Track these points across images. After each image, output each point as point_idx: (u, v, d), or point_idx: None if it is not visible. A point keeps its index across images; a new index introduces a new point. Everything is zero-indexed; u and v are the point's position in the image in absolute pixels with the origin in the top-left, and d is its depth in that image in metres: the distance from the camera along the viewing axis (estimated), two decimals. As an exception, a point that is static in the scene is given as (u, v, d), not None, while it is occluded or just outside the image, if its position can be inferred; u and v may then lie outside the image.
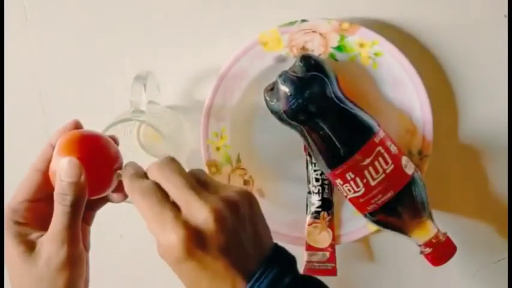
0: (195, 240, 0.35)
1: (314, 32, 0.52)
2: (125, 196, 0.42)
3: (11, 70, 0.58)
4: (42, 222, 0.40)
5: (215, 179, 0.41)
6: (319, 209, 0.55)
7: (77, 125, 0.42)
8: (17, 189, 0.42)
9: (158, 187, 0.38)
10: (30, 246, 0.39)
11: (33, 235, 0.40)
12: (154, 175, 0.38)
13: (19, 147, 0.58)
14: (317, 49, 0.53)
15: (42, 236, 0.39)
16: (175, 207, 0.37)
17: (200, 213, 0.35)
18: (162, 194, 0.37)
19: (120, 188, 0.42)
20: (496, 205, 0.57)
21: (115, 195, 0.43)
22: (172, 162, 0.39)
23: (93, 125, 0.44)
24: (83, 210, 0.39)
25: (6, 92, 0.58)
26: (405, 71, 0.52)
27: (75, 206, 0.38)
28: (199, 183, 0.38)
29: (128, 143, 0.54)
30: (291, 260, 0.39)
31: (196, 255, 0.35)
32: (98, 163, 0.40)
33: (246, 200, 0.38)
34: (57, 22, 0.57)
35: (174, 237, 0.35)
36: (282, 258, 0.38)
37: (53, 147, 0.40)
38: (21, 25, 0.57)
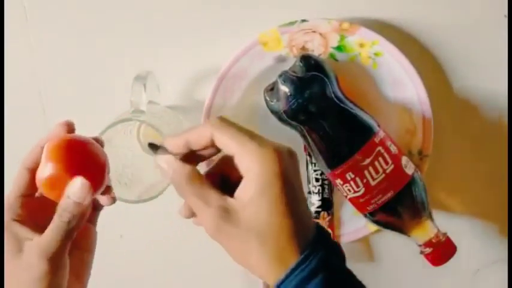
0: (287, 161, 0.36)
1: (314, 32, 0.52)
2: (113, 199, 0.42)
3: (11, 70, 0.58)
4: (36, 218, 0.40)
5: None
6: (319, 209, 0.55)
7: (69, 127, 0.41)
8: (11, 187, 0.42)
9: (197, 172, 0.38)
10: (18, 247, 0.39)
11: (23, 235, 0.39)
12: (208, 132, 0.37)
13: (19, 147, 0.58)
14: (317, 49, 0.53)
15: (31, 238, 0.39)
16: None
17: (271, 157, 0.36)
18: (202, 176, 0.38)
19: (107, 191, 0.42)
20: (496, 205, 0.57)
21: (104, 199, 0.43)
22: (223, 119, 0.38)
23: (93, 125, 0.44)
24: (78, 230, 0.39)
25: (6, 92, 0.58)
26: (405, 71, 0.52)
27: (72, 225, 0.38)
28: (250, 136, 0.38)
29: (128, 143, 0.54)
30: (334, 245, 0.39)
31: (286, 178, 0.36)
32: (86, 169, 0.39)
33: (295, 156, 0.38)
34: (57, 22, 0.57)
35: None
36: (326, 243, 0.37)
37: (42, 149, 0.40)
38: (21, 25, 0.57)
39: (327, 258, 0.35)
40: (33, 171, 0.40)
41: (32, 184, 0.41)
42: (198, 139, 0.38)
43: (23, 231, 0.40)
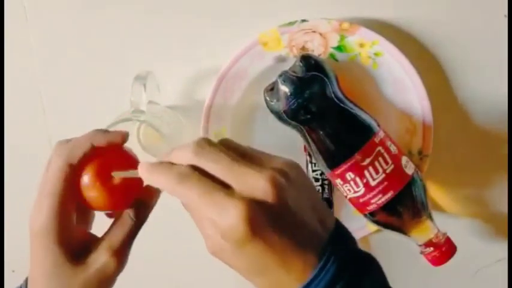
0: (259, 214, 0.31)
1: (314, 32, 0.52)
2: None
3: (11, 70, 0.58)
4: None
5: (254, 149, 0.36)
6: (319, 209, 0.55)
7: (123, 138, 0.41)
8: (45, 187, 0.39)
9: (196, 169, 0.33)
10: (79, 249, 0.39)
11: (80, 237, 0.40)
12: (188, 158, 0.34)
13: (19, 147, 0.58)
14: (317, 49, 0.53)
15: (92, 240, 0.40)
16: (224, 186, 0.32)
17: (258, 184, 0.31)
18: (204, 175, 0.33)
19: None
20: (496, 205, 0.57)
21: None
22: (208, 141, 0.34)
23: (93, 125, 0.44)
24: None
25: (6, 92, 0.58)
26: (405, 71, 0.52)
27: (139, 226, 0.40)
28: (240, 156, 0.34)
29: (128, 143, 0.54)
30: (351, 236, 0.36)
31: (263, 232, 0.31)
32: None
33: (295, 170, 0.34)
34: (57, 22, 0.57)
35: (233, 215, 0.30)
36: (346, 234, 0.35)
37: (91, 150, 0.39)
38: (21, 25, 0.57)
39: (345, 261, 0.33)
40: (75, 169, 0.39)
41: (70, 183, 0.39)
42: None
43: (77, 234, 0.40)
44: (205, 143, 0.34)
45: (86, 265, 0.39)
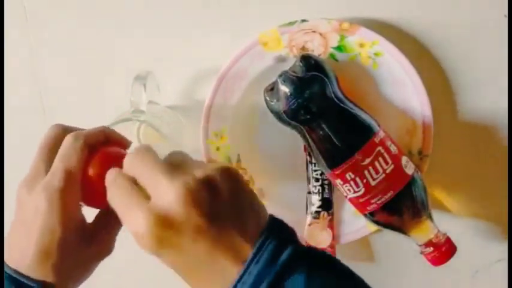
0: (163, 225, 0.32)
1: (314, 32, 0.52)
2: None
3: (11, 70, 0.58)
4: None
5: (193, 159, 0.37)
6: (319, 209, 0.55)
7: (128, 144, 0.43)
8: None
9: (129, 179, 0.35)
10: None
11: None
12: (127, 165, 0.36)
13: (19, 147, 0.58)
14: (317, 49, 0.53)
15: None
16: (144, 195, 0.34)
17: (167, 194, 0.32)
18: (132, 184, 0.35)
19: None
20: (496, 205, 0.57)
21: None
22: (146, 149, 0.36)
23: (93, 125, 0.44)
24: None
25: (6, 92, 0.58)
26: (405, 71, 0.52)
27: None
28: (173, 165, 0.35)
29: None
30: (289, 231, 0.35)
31: (168, 241, 0.32)
32: None
33: (226, 175, 0.34)
34: (57, 22, 0.57)
35: (141, 225, 0.32)
36: (280, 231, 0.34)
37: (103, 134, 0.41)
38: (21, 25, 0.57)
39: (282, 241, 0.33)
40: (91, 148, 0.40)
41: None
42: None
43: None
44: (143, 150, 0.36)
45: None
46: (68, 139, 0.40)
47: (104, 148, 0.41)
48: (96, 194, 0.39)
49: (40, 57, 0.58)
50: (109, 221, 0.41)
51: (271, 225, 0.35)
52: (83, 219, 0.41)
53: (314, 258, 0.34)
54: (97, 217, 0.43)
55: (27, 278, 0.38)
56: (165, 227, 0.32)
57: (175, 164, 0.35)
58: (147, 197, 0.34)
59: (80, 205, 0.41)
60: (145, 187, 0.34)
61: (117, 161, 0.38)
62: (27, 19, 0.57)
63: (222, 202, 0.33)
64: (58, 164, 0.39)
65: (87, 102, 0.58)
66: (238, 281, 0.32)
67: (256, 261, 0.32)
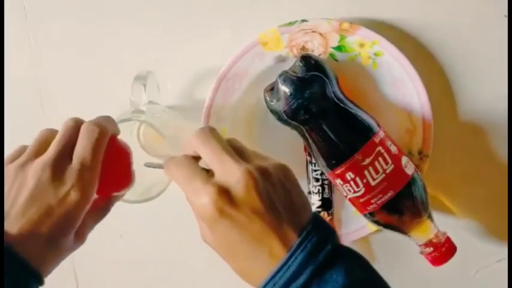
0: (226, 197, 0.35)
1: (314, 32, 0.52)
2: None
3: (11, 70, 0.58)
4: None
5: (252, 150, 0.41)
6: (319, 209, 0.55)
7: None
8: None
9: (191, 158, 0.39)
10: None
11: None
12: (193, 142, 0.39)
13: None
14: (317, 49, 0.53)
15: None
16: (207, 173, 0.38)
17: (233, 174, 0.36)
18: (194, 163, 0.39)
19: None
20: (496, 205, 0.57)
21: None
22: (210, 130, 0.39)
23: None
24: None
25: (6, 92, 0.58)
26: (405, 71, 0.52)
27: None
28: (235, 150, 0.39)
29: (128, 143, 0.54)
30: (330, 230, 0.38)
31: (228, 213, 0.35)
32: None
33: (281, 171, 0.38)
34: (57, 22, 0.57)
35: (205, 197, 0.36)
36: (323, 227, 0.37)
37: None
38: (21, 25, 0.57)
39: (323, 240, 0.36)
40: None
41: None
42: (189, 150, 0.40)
43: None
44: (208, 130, 0.39)
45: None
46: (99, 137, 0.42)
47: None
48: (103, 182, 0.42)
49: (40, 57, 0.58)
50: (93, 221, 0.45)
51: (315, 221, 0.37)
52: None
53: (352, 256, 0.37)
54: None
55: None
56: (227, 201, 0.36)
57: (237, 150, 0.39)
58: (209, 174, 0.38)
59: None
60: (210, 164, 0.38)
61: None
62: (27, 19, 0.57)
63: (277, 194, 0.37)
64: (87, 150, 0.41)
65: (87, 102, 0.58)
66: (284, 264, 0.35)
67: (301, 249, 0.35)
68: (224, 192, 0.36)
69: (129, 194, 0.47)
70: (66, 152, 0.41)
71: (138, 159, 0.54)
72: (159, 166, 0.42)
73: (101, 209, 0.46)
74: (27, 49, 0.58)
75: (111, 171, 0.43)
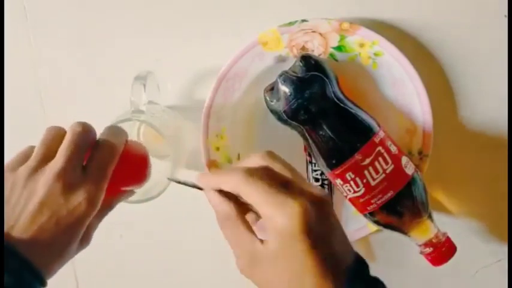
0: (311, 216, 0.35)
1: (314, 32, 0.52)
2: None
3: (11, 70, 0.58)
4: None
5: (296, 174, 0.40)
6: (319, 209, 0.55)
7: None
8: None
9: (270, 171, 0.38)
10: None
11: None
12: (256, 161, 0.39)
13: (19, 147, 0.58)
14: (317, 49, 0.53)
15: None
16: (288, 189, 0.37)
17: (314, 192, 0.37)
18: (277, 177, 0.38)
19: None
20: (496, 205, 0.57)
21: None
22: (272, 152, 0.40)
23: (93, 125, 0.44)
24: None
25: (6, 92, 0.58)
26: (405, 71, 0.52)
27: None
28: (287, 183, 0.38)
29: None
30: (371, 278, 0.39)
31: (311, 233, 0.35)
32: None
33: (327, 210, 0.38)
34: (57, 22, 0.57)
35: (291, 212, 0.35)
36: (366, 273, 0.38)
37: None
38: (21, 25, 0.57)
39: None
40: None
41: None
42: (226, 185, 0.39)
43: None
44: (273, 153, 0.39)
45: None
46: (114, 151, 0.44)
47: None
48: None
49: (40, 57, 0.58)
50: (97, 219, 0.45)
51: (358, 264, 0.38)
52: None
53: None
54: None
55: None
56: (314, 215, 0.36)
57: (286, 182, 0.38)
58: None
59: None
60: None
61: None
62: (27, 19, 0.57)
63: (327, 230, 0.37)
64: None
65: (87, 102, 0.58)
66: None
67: None
68: (311, 209, 0.36)
69: (129, 194, 0.47)
70: (75, 159, 0.41)
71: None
72: (193, 185, 0.41)
73: (105, 209, 0.46)
74: (27, 49, 0.58)
75: (122, 173, 0.44)
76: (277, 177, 0.38)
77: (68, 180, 0.40)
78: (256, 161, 0.39)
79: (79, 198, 0.40)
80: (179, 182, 0.43)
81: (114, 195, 0.46)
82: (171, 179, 0.45)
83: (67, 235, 0.41)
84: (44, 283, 0.40)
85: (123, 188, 0.47)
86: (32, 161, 0.41)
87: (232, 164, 0.39)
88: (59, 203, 0.40)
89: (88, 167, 0.42)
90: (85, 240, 0.44)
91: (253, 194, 0.36)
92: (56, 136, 0.42)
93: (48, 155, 0.41)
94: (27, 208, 0.39)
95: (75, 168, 0.41)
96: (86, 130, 0.42)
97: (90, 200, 0.41)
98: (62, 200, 0.40)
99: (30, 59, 0.58)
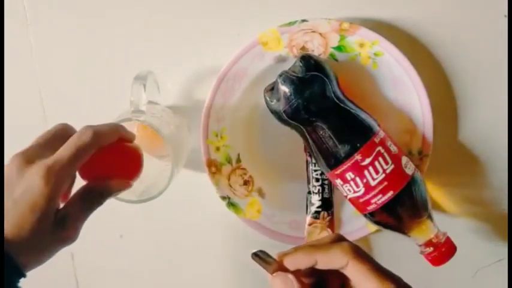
0: None
1: (314, 32, 0.52)
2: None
3: (11, 70, 0.58)
4: None
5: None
6: (319, 209, 0.55)
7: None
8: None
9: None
10: None
11: None
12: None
13: (19, 147, 0.58)
14: (317, 49, 0.53)
15: None
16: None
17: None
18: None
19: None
20: (496, 205, 0.57)
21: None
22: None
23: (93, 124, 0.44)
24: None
25: (6, 92, 0.58)
26: (405, 71, 0.52)
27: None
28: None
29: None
30: None
31: None
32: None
33: None
34: (57, 22, 0.57)
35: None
36: None
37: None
38: (21, 25, 0.57)
39: None
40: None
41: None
42: (328, 262, 0.38)
43: None
44: (360, 250, 0.39)
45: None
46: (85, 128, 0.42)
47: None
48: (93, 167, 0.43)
49: (40, 57, 0.58)
50: (79, 209, 0.42)
51: None
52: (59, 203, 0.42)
53: None
54: (68, 204, 0.42)
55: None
56: None
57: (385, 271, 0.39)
58: None
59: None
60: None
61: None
62: (27, 19, 0.57)
63: None
64: (71, 143, 0.41)
65: (87, 102, 0.58)
66: None
67: None
68: None
69: (129, 194, 0.47)
70: (43, 144, 0.41)
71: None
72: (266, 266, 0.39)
73: (92, 202, 0.43)
74: (27, 49, 0.58)
75: (110, 163, 0.44)
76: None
77: (25, 159, 0.39)
78: (340, 256, 0.39)
79: (32, 174, 0.38)
80: (260, 258, 0.39)
81: (101, 185, 0.44)
82: (254, 254, 0.39)
83: (27, 217, 0.38)
84: (20, 273, 0.38)
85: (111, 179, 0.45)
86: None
87: (306, 244, 0.41)
88: (14, 183, 0.39)
89: (59, 149, 0.41)
90: (68, 234, 0.41)
91: (363, 268, 0.37)
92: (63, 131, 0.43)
93: (44, 147, 0.41)
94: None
95: (38, 149, 0.40)
96: (63, 126, 0.43)
97: (45, 175, 0.38)
98: (17, 180, 0.39)
99: (30, 59, 0.58)
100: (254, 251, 0.38)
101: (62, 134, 0.42)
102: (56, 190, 0.39)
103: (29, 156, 0.40)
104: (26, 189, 0.38)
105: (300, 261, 0.38)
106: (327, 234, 0.55)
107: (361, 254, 0.38)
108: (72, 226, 0.42)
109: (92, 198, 0.43)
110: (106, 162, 0.44)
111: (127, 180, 0.46)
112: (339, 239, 0.40)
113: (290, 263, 0.38)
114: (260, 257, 0.38)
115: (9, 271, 0.37)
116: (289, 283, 0.38)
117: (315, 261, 0.38)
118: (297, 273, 0.38)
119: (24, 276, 0.38)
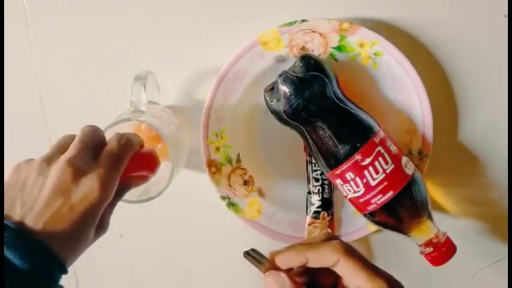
0: None
1: (314, 32, 0.52)
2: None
3: (11, 70, 0.58)
4: None
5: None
6: (319, 209, 0.55)
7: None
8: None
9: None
10: None
11: None
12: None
13: (19, 147, 0.58)
14: (317, 49, 0.53)
15: None
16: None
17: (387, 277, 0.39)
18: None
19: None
20: (496, 205, 0.57)
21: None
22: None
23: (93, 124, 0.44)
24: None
25: (6, 92, 0.58)
26: (405, 71, 0.52)
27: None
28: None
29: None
30: None
31: None
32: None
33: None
34: (57, 22, 0.57)
35: (383, 286, 0.38)
36: None
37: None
38: (21, 25, 0.57)
39: None
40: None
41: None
42: (319, 260, 0.38)
43: None
44: (350, 247, 0.39)
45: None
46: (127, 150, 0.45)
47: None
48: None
49: (40, 56, 0.58)
50: (111, 204, 0.44)
51: None
52: None
53: None
54: None
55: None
56: None
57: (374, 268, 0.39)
58: None
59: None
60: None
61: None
62: (27, 19, 0.57)
63: None
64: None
65: (87, 102, 0.58)
66: None
67: None
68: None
69: (129, 194, 0.47)
70: (85, 149, 0.42)
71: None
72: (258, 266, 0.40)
73: (116, 195, 0.46)
74: (27, 49, 0.58)
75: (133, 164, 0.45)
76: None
77: (78, 166, 0.41)
78: (330, 253, 0.39)
79: (90, 183, 0.40)
80: (252, 256, 0.40)
81: (125, 182, 0.47)
82: (246, 253, 0.41)
83: (82, 222, 0.40)
84: (64, 270, 0.40)
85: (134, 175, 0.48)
86: (45, 154, 0.43)
87: (299, 244, 0.41)
88: (71, 189, 0.40)
89: (101, 156, 0.43)
90: (102, 227, 0.44)
91: (353, 265, 0.38)
92: (69, 138, 0.44)
93: (61, 150, 0.43)
94: (41, 196, 0.40)
95: (85, 156, 0.42)
96: (94, 129, 0.44)
97: (102, 185, 0.41)
98: (73, 186, 0.40)
99: (30, 59, 0.58)
100: (246, 249, 0.39)
101: (93, 137, 0.44)
102: (108, 198, 0.42)
103: (78, 164, 0.41)
104: (83, 196, 0.40)
105: (292, 260, 0.39)
106: (327, 234, 0.55)
107: (351, 251, 0.38)
108: (107, 221, 0.45)
109: (118, 194, 0.46)
110: (131, 164, 0.45)
111: (146, 175, 0.49)
112: (330, 238, 0.40)
113: (282, 261, 0.39)
114: (252, 256, 0.39)
115: (53, 266, 0.39)
116: (281, 281, 0.38)
117: (306, 259, 0.38)
118: (289, 272, 0.39)
119: (66, 272, 0.41)
